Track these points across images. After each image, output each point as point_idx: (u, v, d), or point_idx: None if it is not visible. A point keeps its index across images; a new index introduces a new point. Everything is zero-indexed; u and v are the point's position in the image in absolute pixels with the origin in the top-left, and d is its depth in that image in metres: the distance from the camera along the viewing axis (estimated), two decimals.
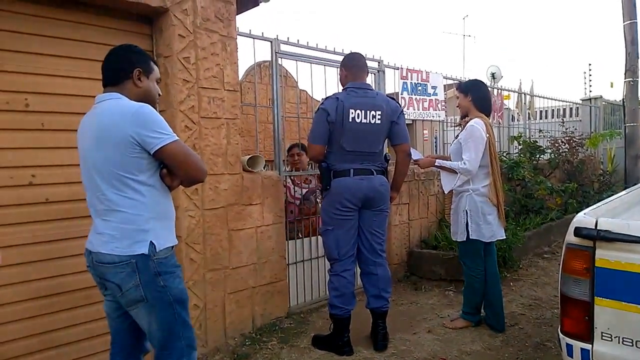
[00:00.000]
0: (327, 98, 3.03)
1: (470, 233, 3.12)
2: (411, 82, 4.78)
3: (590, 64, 17.19)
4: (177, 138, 1.75)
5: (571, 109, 9.88)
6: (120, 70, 1.83)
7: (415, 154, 3.29)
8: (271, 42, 3.47)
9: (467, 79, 3.87)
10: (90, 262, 1.81)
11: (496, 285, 3.25)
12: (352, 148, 2.89)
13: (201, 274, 2.98)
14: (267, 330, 3.33)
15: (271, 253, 3.41)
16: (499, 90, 6.97)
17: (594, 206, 1.78)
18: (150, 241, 1.72)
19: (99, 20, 2.67)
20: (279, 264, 3.47)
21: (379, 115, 2.93)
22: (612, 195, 6.82)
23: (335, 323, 3.03)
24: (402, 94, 4.68)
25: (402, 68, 4.67)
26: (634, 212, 1.75)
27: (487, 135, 3.07)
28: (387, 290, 3.12)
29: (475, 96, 3.18)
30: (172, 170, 1.78)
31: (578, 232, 1.53)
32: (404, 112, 4.74)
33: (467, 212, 3.11)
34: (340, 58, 3.28)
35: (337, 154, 2.93)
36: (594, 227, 1.51)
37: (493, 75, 10.86)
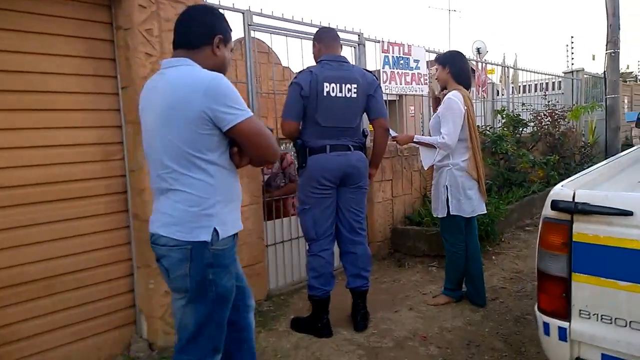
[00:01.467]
0: (300, 72, 2.91)
1: (450, 209, 3.06)
2: (393, 56, 4.65)
3: (572, 37, 17.13)
4: (252, 114, 1.60)
5: (554, 82, 9.84)
6: (199, 35, 1.65)
7: (393, 132, 3.20)
8: (243, 13, 3.30)
9: None
10: (150, 242, 1.68)
11: (477, 260, 3.21)
12: (327, 123, 2.78)
13: None
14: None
15: (248, 235, 3.31)
16: (484, 64, 6.87)
17: (572, 178, 1.71)
18: (214, 228, 1.57)
19: None
20: (257, 246, 3.39)
21: (354, 88, 2.82)
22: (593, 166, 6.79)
23: (314, 304, 2.97)
24: (383, 68, 4.55)
25: (383, 41, 4.53)
26: (613, 183, 1.68)
27: (466, 108, 2.98)
28: (367, 269, 3.06)
29: (454, 68, 3.08)
30: (243, 148, 1.62)
31: (555, 205, 1.46)
32: (387, 87, 4.68)
33: (447, 188, 3.05)
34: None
35: (312, 130, 2.82)
36: (571, 200, 1.43)
37: (478, 50, 10.78)
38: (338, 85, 2.76)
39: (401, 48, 4.72)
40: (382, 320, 3.12)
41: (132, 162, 2.80)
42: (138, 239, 2.83)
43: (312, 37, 3.00)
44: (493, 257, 4.21)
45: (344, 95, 2.77)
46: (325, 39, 2.89)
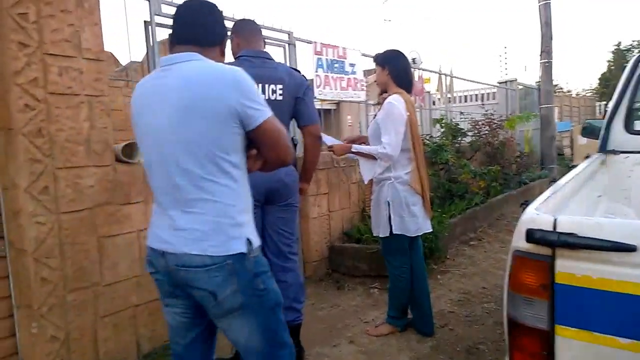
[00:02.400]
0: None
1: (393, 227, 2.70)
2: (327, 59, 4.29)
3: (505, 47, 17.75)
4: (272, 112, 1.47)
5: (489, 93, 9.97)
6: (214, 33, 1.55)
7: (329, 139, 2.81)
8: (149, 1, 2.81)
9: None
10: (162, 266, 1.47)
11: (423, 284, 2.87)
12: None
13: (60, 296, 2.30)
14: (158, 355, 2.72)
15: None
16: (420, 73, 6.72)
17: (543, 197, 1.37)
18: (247, 237, 1.43)
19: None
20: None
21: (279, 89, 2.39)
22: (531, 175, 6.78)
23: None
24: (316, 72, 4.18)
25: (316, 42, 4.16)
26: (597, 205, 1.36)
27: (408, 114, 2.65)
28: (300, 300, 2.63)
29: (394, 69, 2.74)
30: (262, 149, 1.49)
31: (531, 235, 1.10)
32: (322, 92, 4.31)
33: (389, 204, 2.68)
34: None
35: None
36: (552, 229, 1.08)
37: (414, 61, 10.72)
38: (260, 85, 2.33)
39: (336, 50, 4.37)
40: (318, 357, 2.70)
41: (4, 177, 2.22)
42: (16, 272, 2.25)
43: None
44: (439, 277, 3.91)
45: (267, 98, 2.34)
46: (243, 32, 2.48)
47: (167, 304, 1.59)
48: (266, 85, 2.36)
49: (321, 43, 4.21)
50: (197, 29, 1.50)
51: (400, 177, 2.68)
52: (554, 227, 1.09)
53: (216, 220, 1.39)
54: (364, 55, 4.82)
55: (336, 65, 4.42)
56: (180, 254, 1.39)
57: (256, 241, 1.47)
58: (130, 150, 2.66)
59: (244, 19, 2.60)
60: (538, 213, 1.15)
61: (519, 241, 1.15)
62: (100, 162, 2.47)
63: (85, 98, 2.40)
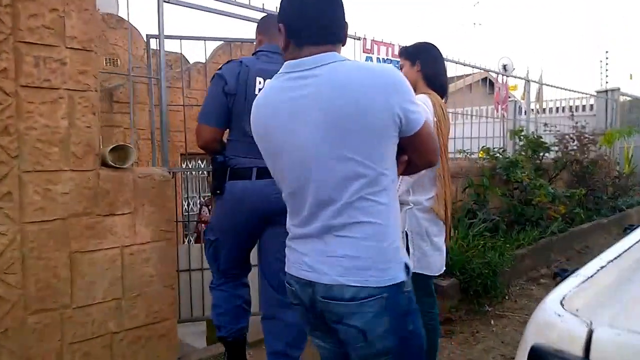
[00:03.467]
0: (227, 62, 2.15)
1: (413, 265, 2.11)
2: (378, 58, 3.76)
3: (607, 52, 15.86)
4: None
5: (584, 105, 8.75)
6: (341, 27, 1.31)
7: None
8: None
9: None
10: (308, 297, 1.29)
11: (434, 340, 2.24)
12: None
13: (18, 317, 2.02)
14: None
15: (149, 283, 2.43)
16: (505, 79, 5.94)
17: (574, 281, 0.77)
18: (405, 262, 1.27)
19: None
20: (163, 297, 2.50)
21: None
22: (629, 201, 5.64)
23: (226, 348, 2.38)
24: None
25: (365, 38, 3.65)
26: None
27: (436, 119, 2.06)
28: (299, 347, 2.16)
29: (426, 65, 2.17)
30: (414, 155, 1.33)
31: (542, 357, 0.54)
32: None
33: (407, 235, 2.11)
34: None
35: (238, 143, 2.11)
36: (582, 351, 0.52)
37: (505, 67, 9.79)
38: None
39: (390, 49, 3.82)
40: None
41: None
42: None
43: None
44: (492, 322, 3.23)
45: None
46: (268, 29, 2.18)
47: (314, 335, 1.42)
48: None
49: (372, 40, 3.69)
50: (329, 24, 1.27)
51: (420, 202, 2.11)
52: (587, 346, 0.52)
53: (376, 245, 1.22)
54: None
55: (390, 65, 3.87)
56: (333, 284, 1.22)
57: (411, 266, 1.30)
58: (121, 154, 2.34)
59: (269, 15, 2.34)
60: (560, 313, 0.58)
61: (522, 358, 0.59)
62: (79, 167, 2.16)
63: (66, 93, 2.11)
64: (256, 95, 2.12)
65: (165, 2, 2.45)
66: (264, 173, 1.98)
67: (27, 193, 2.02)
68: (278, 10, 1.32)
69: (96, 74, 2.22)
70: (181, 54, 3.91)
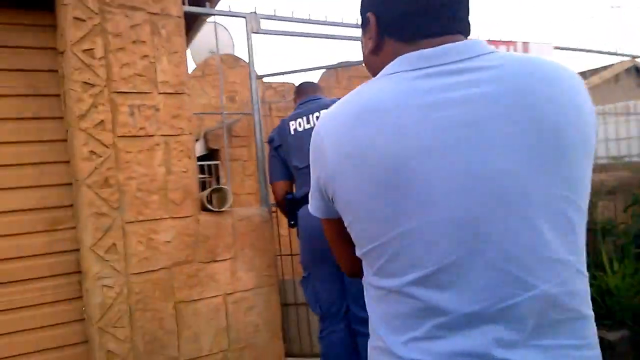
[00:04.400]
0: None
1: None
2: None
3: None
4: None
5: None
6: (468, 14, 0.81)
7: None
8: (245, 18, 2.36)
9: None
10: None
11: None
12: (303, 163, 2.12)
13: None
14: None
15: (255, 333, 2.27)
16: None
17: None
18: None
19: None
20: (271, 348, 2.31)
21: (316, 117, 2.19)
22: None
23: None
24: None
25: (482, 39, 3.19)
26: None
27: None
28: None
29: None
30: None
31: None
32: None
33: None
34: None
35: (297, 180, 2.23)
36: None
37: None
38: (305, 117, 2.19)
39: (512, 47, 3.29)
40: None
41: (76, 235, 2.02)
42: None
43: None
44: None
45: (312, 125, 2.14)
46: (301, 90, 2.42)
47: None
48: (311, 115, 2.17)
49: (488, 40, 3.22)
50: (457, 5, 0.77)
51: None
52: None
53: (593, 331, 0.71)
54: (559, 48, 3.59)
55: None
56: None
57: None
58: (218, 197, 2.24)
59: (304, 83, 2.48)
60: None
61: None
62: (179, 213, 2.09)
63: (161, 139, 2.07)
64: (292, 135, 2.17)
65: (254, 33, 2.33)
66: None
67: (130, 244, 1.99)
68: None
69: (190, 116, 2.15)
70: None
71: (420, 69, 0.72)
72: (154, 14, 2.06)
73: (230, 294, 2.21)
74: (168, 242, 2.06)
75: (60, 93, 2.02)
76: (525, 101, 0.67)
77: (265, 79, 4.92)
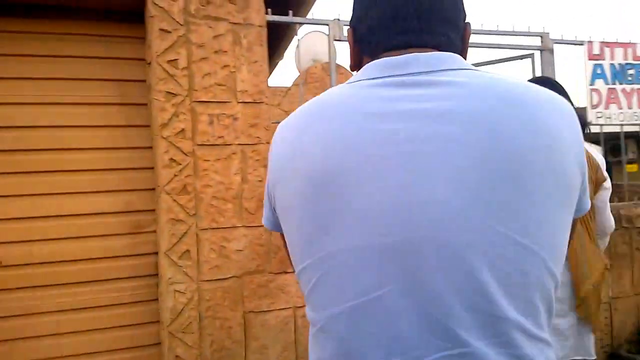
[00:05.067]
0: None
1: None
2: (612, 64, 2.89)
3: None
4: None
5: None
6: (458, 28, 0.71)
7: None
8: (328, 25, 2.31)
9: None
10: None
11: None
12: None
13: None
14: None
15: None
16: None
17: None
18: None
19: (80, 27, 2.05)
20: None
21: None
22: None
23: None
24: (592, 84, 2.85)
25: (591, 42, 2.85)
26: None
27: None
28: None
29: None
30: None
31: None
32: (601, 113, 2.94)
33: None
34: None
35: None
36: None
37: None
38: None
39: (630, 50, 2.90)
40: None
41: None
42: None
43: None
44: None
45: None
46: None
47: None
48: None
49: (600, 42, 2.87)
50: (428, 18, 0.67)
51: None
52: None
53: None
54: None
55: (631, 71, 2.94)
56: None
57: None
58: None
59: None
60: None
61: None
62: (252, 222, 2.08)
63: (238, 148, 2.07)
64: None
65: (336, 40, 2.27)
66: None
67: (203, 251, 2.01)
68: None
69: (267, 125, 2.14)
70: None
71: (380, 77, 0.65)
72: (237, 23, 2.08)
73: (300, 307, 2.15)
74: (240, 250, 2.06)
75: (147, 102, 2.11)
76: (484, 123, 0.57)
77: None
